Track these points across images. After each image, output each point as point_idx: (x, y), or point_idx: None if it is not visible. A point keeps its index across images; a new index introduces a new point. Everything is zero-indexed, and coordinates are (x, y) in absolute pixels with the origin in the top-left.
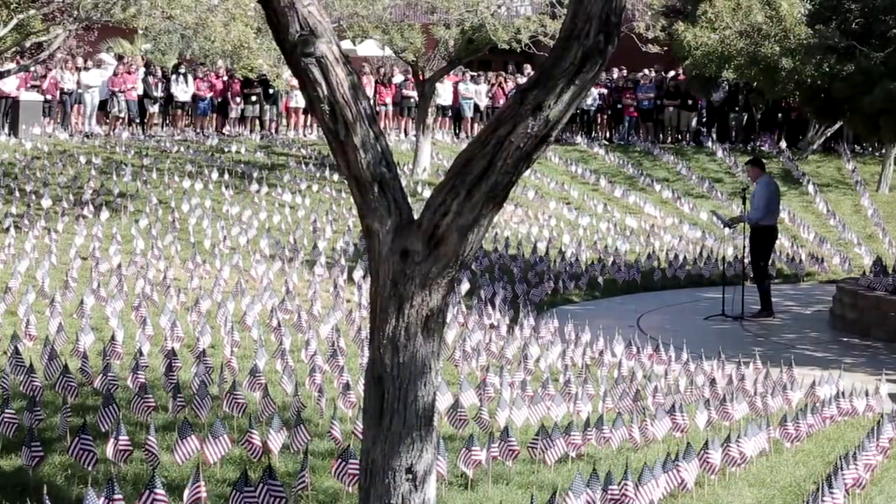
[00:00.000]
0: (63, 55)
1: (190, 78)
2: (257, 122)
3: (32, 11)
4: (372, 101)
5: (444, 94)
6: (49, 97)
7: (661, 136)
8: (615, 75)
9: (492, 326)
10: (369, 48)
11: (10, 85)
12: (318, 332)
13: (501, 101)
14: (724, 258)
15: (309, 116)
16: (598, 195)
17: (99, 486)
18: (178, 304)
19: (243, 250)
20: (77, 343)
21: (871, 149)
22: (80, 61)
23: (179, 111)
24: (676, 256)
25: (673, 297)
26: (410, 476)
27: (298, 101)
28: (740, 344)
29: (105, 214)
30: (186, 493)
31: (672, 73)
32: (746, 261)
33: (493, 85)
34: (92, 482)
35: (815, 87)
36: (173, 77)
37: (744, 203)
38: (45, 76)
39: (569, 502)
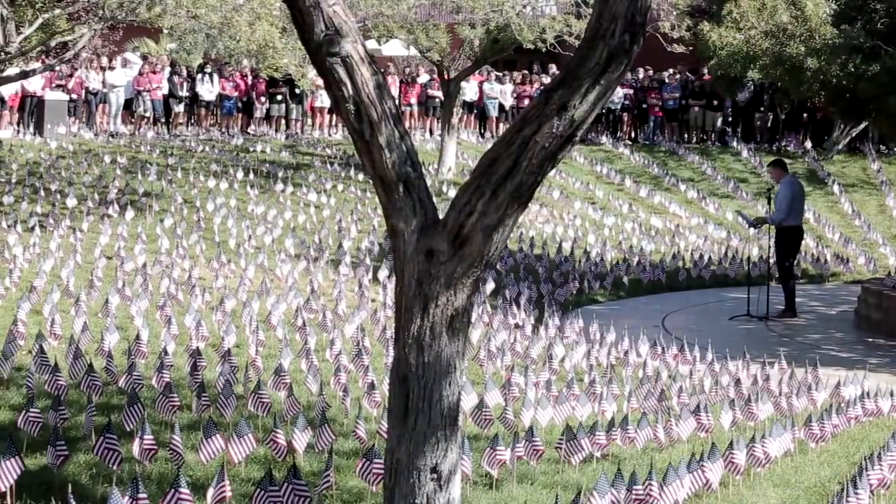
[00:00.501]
0: (88, 55)
1: (215, 77)
2: (282, 121)
3: (58, 11)
4: (397, 101)
5: (469, 93)
6: (74, 97)
7: (686, 135)
8: (640, 75)
9: (517, 326)
10: (394, 48)
11: (35, 84)
12: (342, 331)
13: (526, 101)
14: (748, 258)
15: (334, 116)
16: (623, 195)
17: (123, 485)
18: (203, 304)
19: (268, 250)
20: (102, 342)
21: None
22: (105, 61)
23: (204, 111)
24: (701, 256)
25: (698, 297)
26: (435, 476)
27: (323, 100)
28: (765, 344)
29: (130, 214)
30: (211, 492)
31: (697, 73)
32: (772, 261)
33: (518, 84)
34: (116, 481)
35: (841, 88)
36: (198, 76)
37: (769, 203)
38: (70, 76)
39: (593, 502)
